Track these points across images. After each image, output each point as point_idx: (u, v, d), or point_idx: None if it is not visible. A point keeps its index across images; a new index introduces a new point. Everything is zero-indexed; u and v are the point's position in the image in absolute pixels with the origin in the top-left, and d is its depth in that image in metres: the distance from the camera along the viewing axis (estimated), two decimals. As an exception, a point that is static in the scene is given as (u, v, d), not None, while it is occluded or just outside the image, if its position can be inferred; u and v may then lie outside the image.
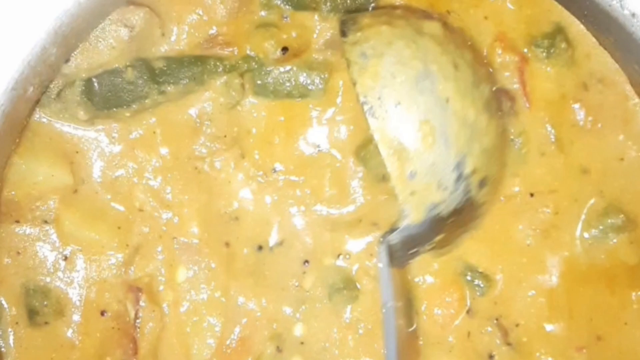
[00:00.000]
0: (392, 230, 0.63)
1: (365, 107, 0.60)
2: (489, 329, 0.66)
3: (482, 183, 0.63)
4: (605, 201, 0.66)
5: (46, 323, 0.65)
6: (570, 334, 0.66)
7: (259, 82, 0.65)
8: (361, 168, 0.65)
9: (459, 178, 0.61)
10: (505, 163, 0.66)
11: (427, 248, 0.65)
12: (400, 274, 0.65)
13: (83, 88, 0.63)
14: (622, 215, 0.65)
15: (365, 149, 0.65)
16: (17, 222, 0.65)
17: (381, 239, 0.64)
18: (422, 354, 0.66)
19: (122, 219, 0.65)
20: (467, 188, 0.62)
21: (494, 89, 0.65)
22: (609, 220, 0.65)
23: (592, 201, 0.66)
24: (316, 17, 0.65)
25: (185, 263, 0.65)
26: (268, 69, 0.65)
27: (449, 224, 0.63)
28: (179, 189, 0.66)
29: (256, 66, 0.65)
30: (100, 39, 0.64)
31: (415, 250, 0.65)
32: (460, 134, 0.61)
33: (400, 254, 0.64)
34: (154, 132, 0.65)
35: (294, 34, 0.65)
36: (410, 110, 0.60)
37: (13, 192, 0.64)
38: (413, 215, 0.61)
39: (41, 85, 0.62)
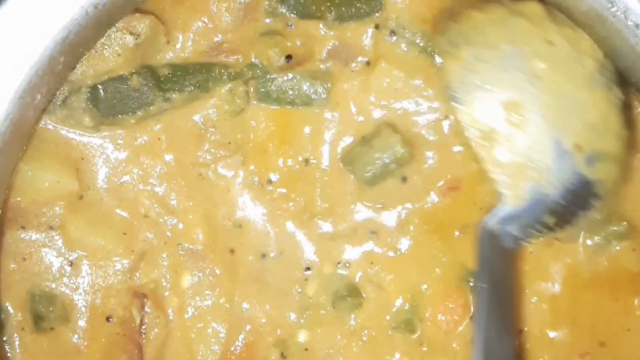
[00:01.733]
0: (492, 214, 0.62)
1: (451, 93, 0.59)
2: (493, 335, 0.66)
3: (590, 160, 0.61)
4: (607, 208, 0.66)
5: (52, 329, 0.65)
6: (573, 341, 0.66)
7: (262, 89, 0.65)
8: (352, 176, 0.65)
9: (560, 155, 0.59)
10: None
11: (545, 231, 0.63)
12: (506, 257, 0.63)
13: (89, 95, 0.63)
14: (625, 223, 0.65)
15: (358, 157, 0.64)
16: (23, 228, 0.65)
17: (483, 223, 0.63)
18: (426, 360, 0.66)
19: (127, 225, 0.65)
20: (573, 165, 0.60)
21: None
22: (612, 228, 0.66)
23: (595, 208, 0.66)
24: (321, 25, 0.65)
25: (190, 269, 0.66)
26: (272, 76, 0.65)
27: (563, 205, 0.61)
28: (183, 195, 0.66)
29: (260, 73, 0.65)
30: (105, 46, 0.64)
31: (530, 231, 0.63)
32: (555, 111, 0.59)
33: (507, 237, 0.63)
34: (159, 139, 0.65)
35: (298, 42, 0.65)
36: (497, 92, 0.59)
37: (19, 198, 0.64)
38: (512, 198, 0.60)
39: (48, 93, 0.62)
